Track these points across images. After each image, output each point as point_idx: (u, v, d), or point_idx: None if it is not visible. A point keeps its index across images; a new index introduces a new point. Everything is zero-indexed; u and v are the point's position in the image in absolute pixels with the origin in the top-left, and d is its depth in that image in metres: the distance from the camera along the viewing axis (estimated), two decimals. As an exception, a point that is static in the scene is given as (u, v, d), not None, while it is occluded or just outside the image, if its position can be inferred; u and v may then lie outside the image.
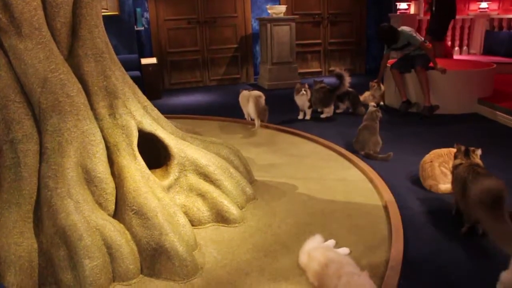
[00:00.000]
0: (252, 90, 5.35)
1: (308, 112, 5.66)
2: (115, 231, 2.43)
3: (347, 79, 5.57)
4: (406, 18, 8.01)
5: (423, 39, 5.72)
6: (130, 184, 2.59)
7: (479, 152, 2.94)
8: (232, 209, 2.95)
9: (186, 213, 2.86)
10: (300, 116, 5.71)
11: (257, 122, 5.08)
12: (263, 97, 5.10)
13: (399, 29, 5.72)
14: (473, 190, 2.52)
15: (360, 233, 2.80)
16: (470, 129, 5.08)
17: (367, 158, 4.11)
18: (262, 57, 8.27)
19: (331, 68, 9.13)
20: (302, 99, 5.56)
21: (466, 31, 8.73)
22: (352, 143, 4.34)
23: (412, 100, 5.82)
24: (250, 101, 5.04)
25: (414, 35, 5.66)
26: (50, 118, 2.50)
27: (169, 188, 2.92)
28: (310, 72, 9.05)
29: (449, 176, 3.31)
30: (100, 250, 2.34)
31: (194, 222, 2.90)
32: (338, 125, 5.37)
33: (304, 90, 5.44)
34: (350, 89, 5.87)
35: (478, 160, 2.88)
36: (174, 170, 2.98)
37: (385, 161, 4.04)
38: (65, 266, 2.32)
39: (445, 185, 3.35)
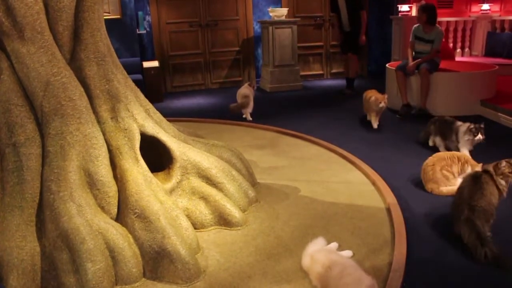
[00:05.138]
0: (248, 84, 6.11)
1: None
2: (117, 234, 2.42)
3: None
4: (408, 20, 7.99)
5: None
6: (133, 187, 2.59)
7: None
8: (234, 212, 2.95)
9: (188, 216, 2.85)
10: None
11: (248, 117, 5.91)
12: (250, 96, 5.87)
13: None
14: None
15: (363, 235, 2.79)
16: (472, 131, 5.06)
17: None
18: (264, 60, 8.28)
19: (333, 71, 9.14)
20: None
21: (468, 32, 8.71)
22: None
23: (412, 104, 5.80)
24: (239, 99, 5.95)
25: (442, 37, 5.77)
26: (52, 121, 2.50)
27: (171, 191, 2.92)
28: (312, 74, 9.05)
29: (451, 180, 3.31)
30: (102, 253, 2.33)
31: (196, 225, 2.90)
32: (340, 127, 5.36)
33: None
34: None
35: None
36: (176, 173, 2.98)
37: None
38: (68, 269, 2.31)
39: (446, 188, 3.34)
